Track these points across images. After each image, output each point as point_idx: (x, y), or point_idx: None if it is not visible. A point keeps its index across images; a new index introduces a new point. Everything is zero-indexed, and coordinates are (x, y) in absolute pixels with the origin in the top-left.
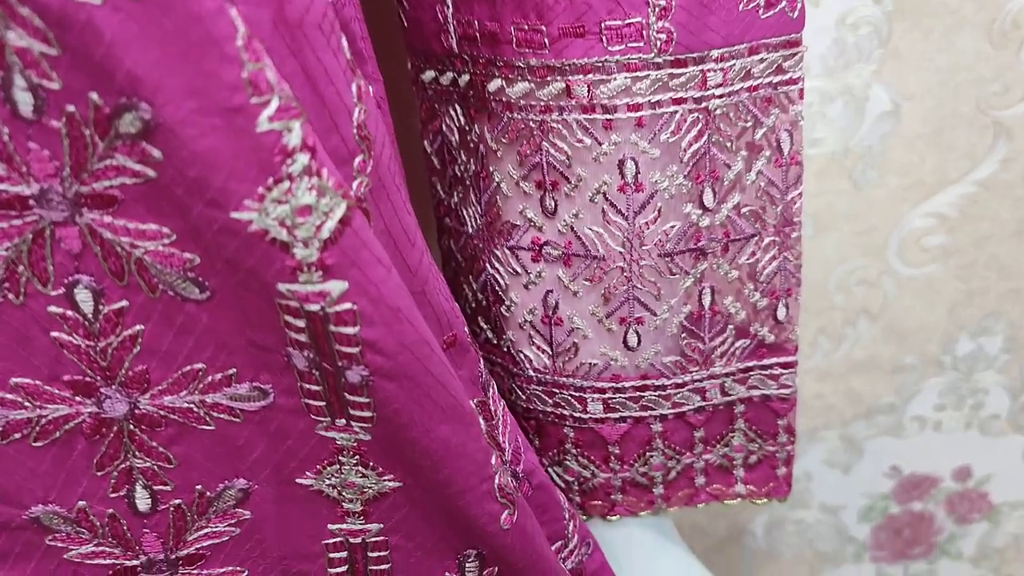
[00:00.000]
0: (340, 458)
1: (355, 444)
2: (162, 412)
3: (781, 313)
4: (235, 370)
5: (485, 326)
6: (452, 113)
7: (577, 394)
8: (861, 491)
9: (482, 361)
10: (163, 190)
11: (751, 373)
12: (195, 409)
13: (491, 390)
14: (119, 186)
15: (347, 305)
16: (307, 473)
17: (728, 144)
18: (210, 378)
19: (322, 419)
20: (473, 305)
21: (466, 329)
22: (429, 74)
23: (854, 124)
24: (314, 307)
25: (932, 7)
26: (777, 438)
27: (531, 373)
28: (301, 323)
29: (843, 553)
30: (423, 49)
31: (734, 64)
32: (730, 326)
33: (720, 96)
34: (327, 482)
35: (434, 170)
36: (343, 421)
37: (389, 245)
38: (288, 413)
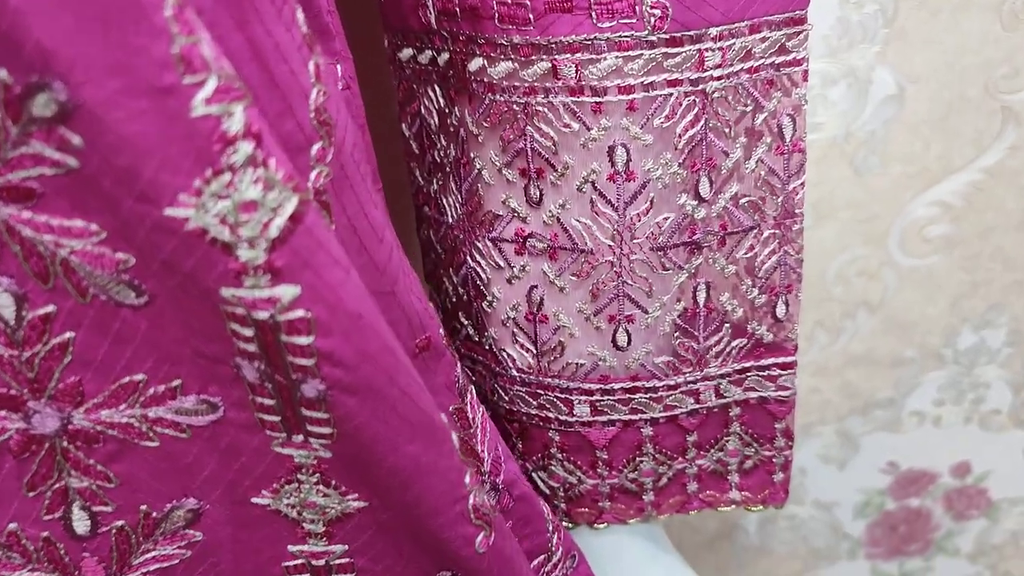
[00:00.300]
0: (299, 476)
1: (315, 462)
2: (99, 427)
3: (780, 310)
4: (180, 382)
5: (466, 322)
6: (431, 94)
7: (563, 396)
8: (857, 487)
9: (459, 365)
10: (88, 182)
11: (748, 374)
12: (136, 424)
13: (469, 395)
14: (37, 177)
15: (300, 312)
16: (263, 492)
17: (726, 130)
18: (152, 390)
19: (277, 435)
20: (454, 300)
21: (442, 331)
22: (407, 52)
23: (856, 108)
24: (263, 315)
25: None
26: (774, 442)
27: (514, 373)
28: (249, 332)
29: (837, 550)
30: (400, 26)
31: (734, 43)
32: (726, 324)
33: (718, 78)
34: (285, 502)
35: (413, 155)
36: (300, 437)
37: (353, 242)
38: (240, 428)
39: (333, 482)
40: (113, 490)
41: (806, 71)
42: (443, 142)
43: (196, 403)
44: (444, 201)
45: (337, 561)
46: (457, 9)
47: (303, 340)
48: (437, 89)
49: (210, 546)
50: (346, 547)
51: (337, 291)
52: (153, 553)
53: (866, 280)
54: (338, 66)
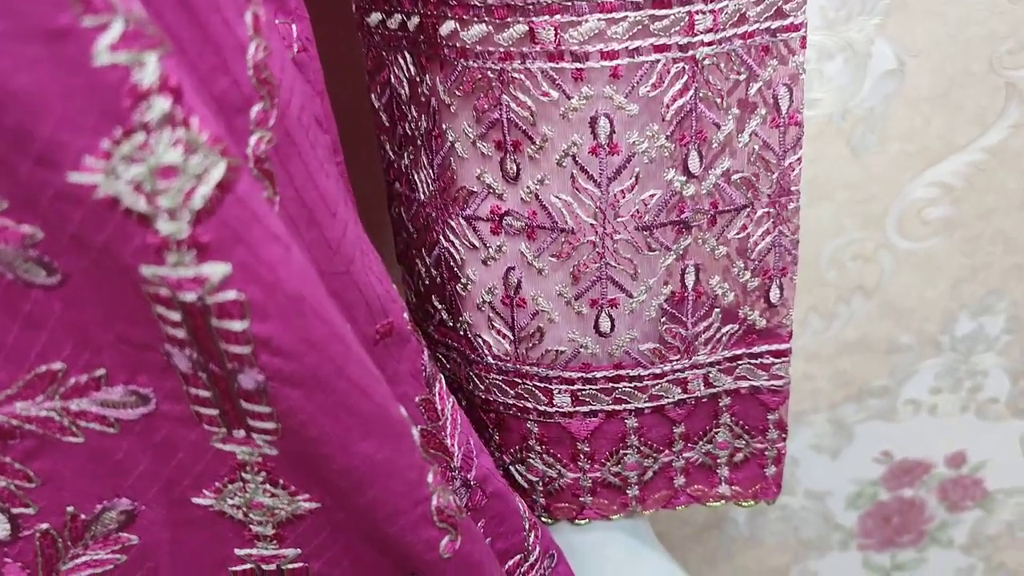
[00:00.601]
0: (243, 475)
1: (260, 459)
2: (14, 422)
3: (774, 295)
4: (104, 371)
5: (439, 306)
6: (401, 62)
7: (542, 385)
8: (849, 477)
9: (427, 352)
10: None
11: (739, 362)
12: (57, 418)
13: (438, 385)
14: None
15: (231, 294)
16: (204, 492)
17: (718, 100)
18: (73, 380)
19: (217, 430)
20: (426, 282)
21: (406, 316)
22: (375, 16)
23: (854, 83)
24: (190, 296)
25: None
26: (766, 434)
27: (490, 360)
28: (176, 316)
29: (829, 541)
30: None
31: (726, 5)
32: (716, 309)
33: (709, 43)
34: (229, 502)
35: (383, 127)
36: (242, 433)
37: (301, 216)
38: (175, 422)
39: (281, 481)
40: (35, 490)
41: (804, 37)
42: (414, 113)
43: (124, 394)
44: (415, 177)
45: (290, 566)
46: None
47: (237, 325)
48: (407, 56)
49: (148, 550)
50: (299, 551)
51: (275, 270)
52: (84, 558)
53: (862, 264)
54: (293, 26)
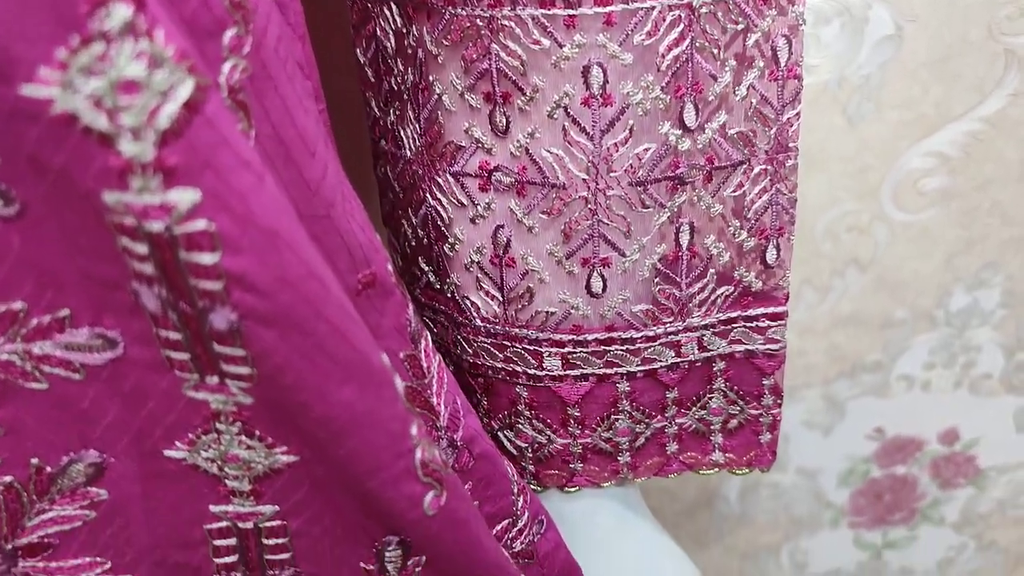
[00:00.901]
0: (217, 425)
1: (234, 409)
2: None
3: (771, 255)
4: (68, 312)
5: (426, 268)
6: (387, 14)
7: (532, 348)
8: (842, 454)
9: (412, 307)
10: None
11: (734, 325)
12: (18, 362)
13: (423, 342)
14: None
15: (201, 224)
16: (177, 444)
17: (714, 51)
18: (35, 322)
19: (188, 376)
20: (413, 243)
21: (390, 267)
22: None
23: (851, 49)
24: (156, 226)
25: None
26: (761, 400)
27: (479, 323)
28: (143, 248)
29: (820, 519)
30: None
31: None
32: (711, 270)
33: None
34: (203, 455)
35: (368, 83)
36: (215, 379)
37: (279, 154)
38: (145, 368)
39: (257, 432)
40: None
41: None
42: (400, 67)
43: (90, 337)
44: (401, 133)
45: (267, 524)
46: None
47: (207, 258)
48: (393, 7)
49: (118, 506)
50: (277, 508)
51: (247, 199)
52: (50, 514)
53: (857, 236)
54: None
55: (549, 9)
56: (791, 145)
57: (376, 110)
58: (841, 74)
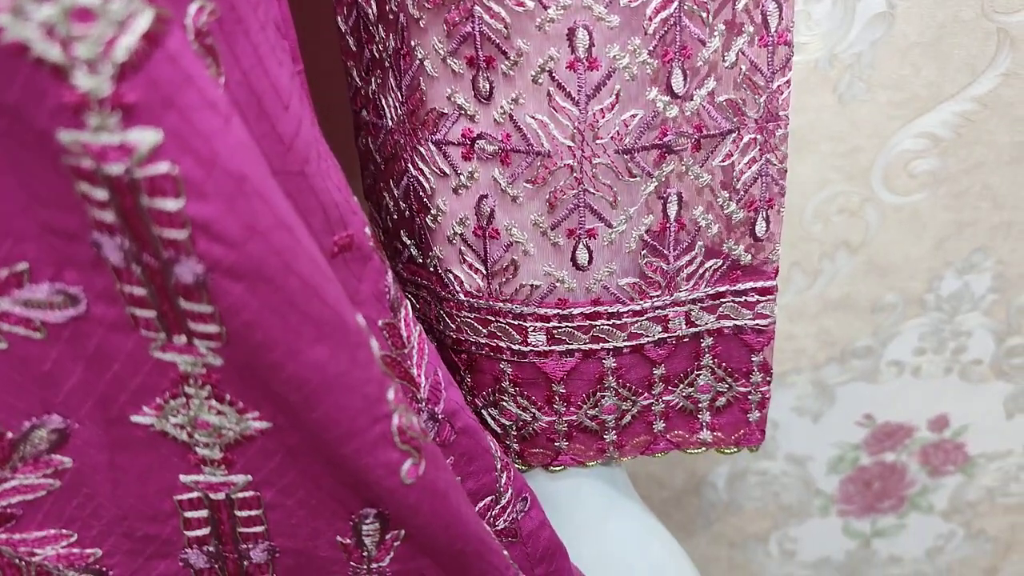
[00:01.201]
0: (186, 389)
1: (204, 371)
2: None
3: (760, 228)
4: (26, 265)
5: (409, 241)
6: None
7: (516, 322)
8: (831, 441)
9: (391, 273)
10: None
11: (722, 300)
12: None
13: (403, 311)
14: None
15: (163, 166)
16: (144, 409)
17: (703, 14)
18: None
19: (155, 335)
20: (395, 216)
21: (368, 230)
22: None
23: (842, 27)
24: (116, 169)
25: None
26: (750, 377)
27: (462, 297)
28: (103, 194)
29: (809, 506)
30: None
31: None
32: (699, 243)
33: None
34: (172, 421)
35: (349, 52)
36: (183, 339)
37: (250, 105)
38: (109, 328)
39: (228, 396)
40: None
41: None
42: (382, 33)
43: (50, 293)
44: (383, 102)
45: (240, 494)
46: None
47: (171, 204)
48: None
49: (83, 475)
50: (249, 477)
51: (212, 142)
52: (13, 483)
53: (847, 218)
54: None
55: None
56: (781, 114)
57: (358, 80)
58: (832, 52)
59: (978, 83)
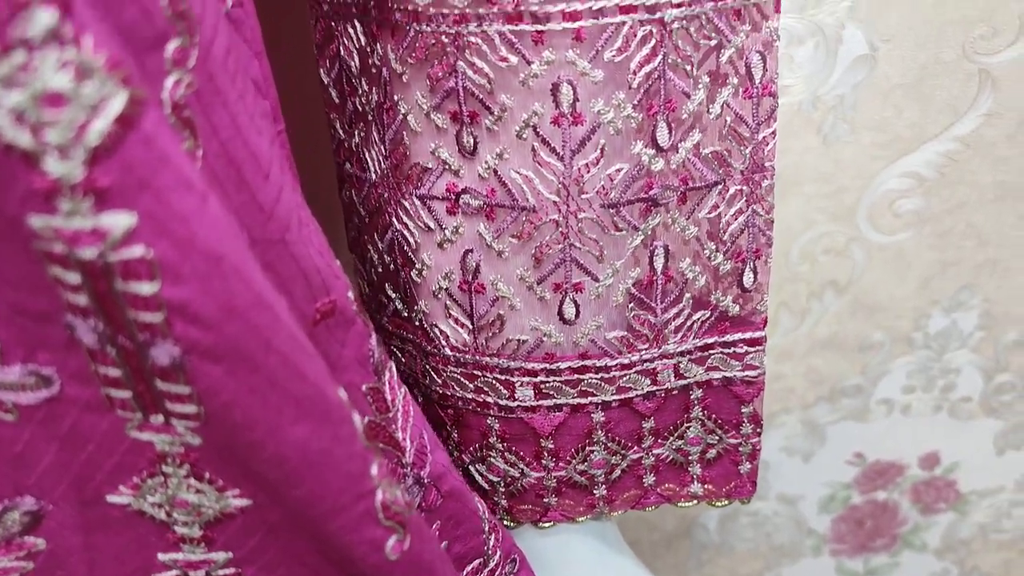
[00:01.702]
0: (163, 468)
1: (182, 450)
2: None
3: (748, 279)
4: None
5: (393, 295)
6: (351, 32)
7: (503, 377)
8: (822, 480)
9: (375, 337)
10: None
11: (711, 352)
12: None
13: (387, 373)
14: None
15: (138, 250)
16: (120, 488)
17: (687, 67)
18: None
19: (131, 416)
20: (379, 270)
21: (351, 295)
22: None
23: (824, 70)
24: (89, 253)
25: None
26: (740, 429)
27: (448, 352)
28: (75, 278)
29: (801, 546)
30: None
31: None
32: (687, 295)
33: (678, 5)
34: (150, 500)
35: (332, 105)
36: (160, 418)
37: (229, 176)
38: (83, 408)
39: (207, 475)
40: None
41: (779, 1)
42: (364, 87)
43: (22, 375)
44: (367, 155)
45: (220, 572)
46: None
47: (146, 288)
48: (358, 25)
49: (58, 556)
50: (230, 555)
51: (189, 223)
52: None
53: (833, 258)
54: None
55: (516, 25)
56: (767, 164)
57: (341, 132)
58: (815, 94)
59: (960, 123)
